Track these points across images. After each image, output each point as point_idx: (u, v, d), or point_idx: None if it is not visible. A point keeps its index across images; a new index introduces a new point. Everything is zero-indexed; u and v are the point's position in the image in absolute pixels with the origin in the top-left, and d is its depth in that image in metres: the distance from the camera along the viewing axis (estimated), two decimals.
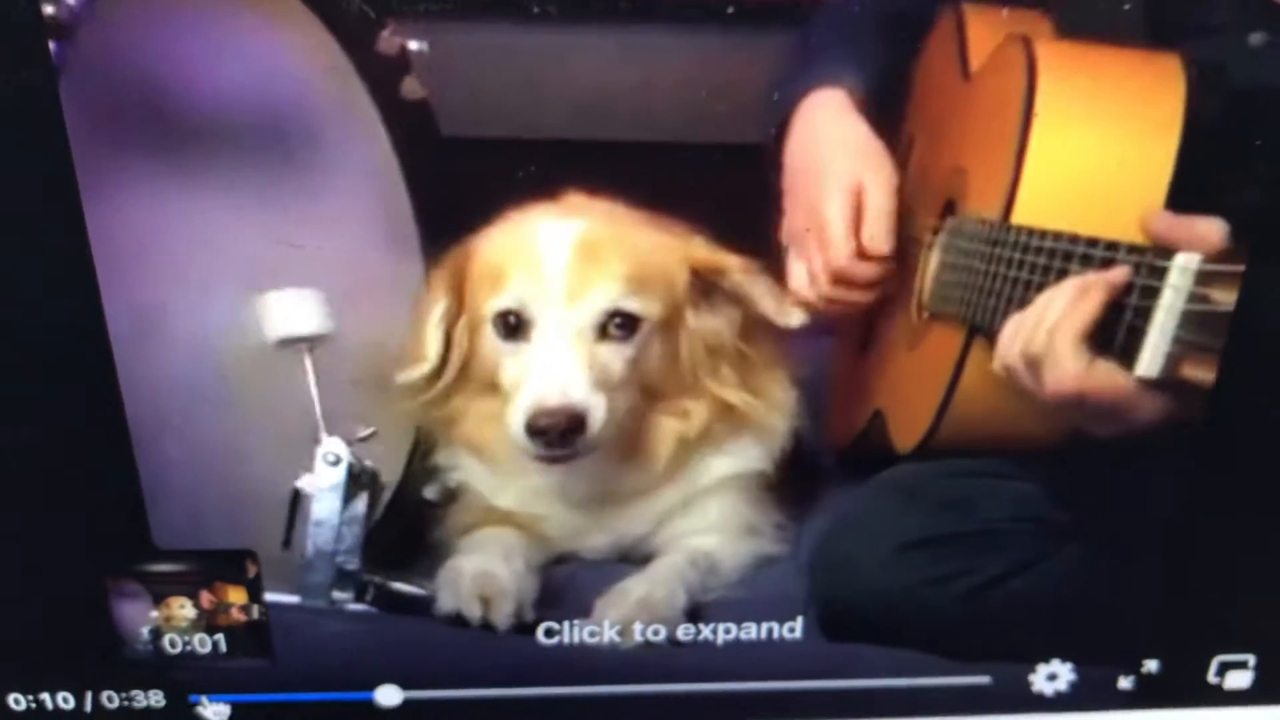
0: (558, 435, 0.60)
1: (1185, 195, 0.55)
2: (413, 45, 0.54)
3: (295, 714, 0.68)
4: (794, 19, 0.56)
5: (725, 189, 0.60)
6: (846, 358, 0.74)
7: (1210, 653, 0.68)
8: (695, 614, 0.67)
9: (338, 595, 0.65)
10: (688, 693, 0.68)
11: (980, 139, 0.62)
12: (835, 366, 0.74)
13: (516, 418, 0.61)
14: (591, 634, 0.66)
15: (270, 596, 0.65)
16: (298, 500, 0.63)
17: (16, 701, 0.66)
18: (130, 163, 0.55)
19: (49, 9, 0.51)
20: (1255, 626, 0.68)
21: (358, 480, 0.64)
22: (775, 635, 0.67)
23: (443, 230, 0.62)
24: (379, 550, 0.65)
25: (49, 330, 0.57)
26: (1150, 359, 0.55)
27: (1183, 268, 0.54)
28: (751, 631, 0.67)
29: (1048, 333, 0.57)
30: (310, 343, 0.61)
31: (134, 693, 0.67)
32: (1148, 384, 0.56)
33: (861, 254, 0.63)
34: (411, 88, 0.56)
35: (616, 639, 0.65)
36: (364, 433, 0.64)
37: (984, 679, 0.69)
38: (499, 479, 0.69)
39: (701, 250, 0.63)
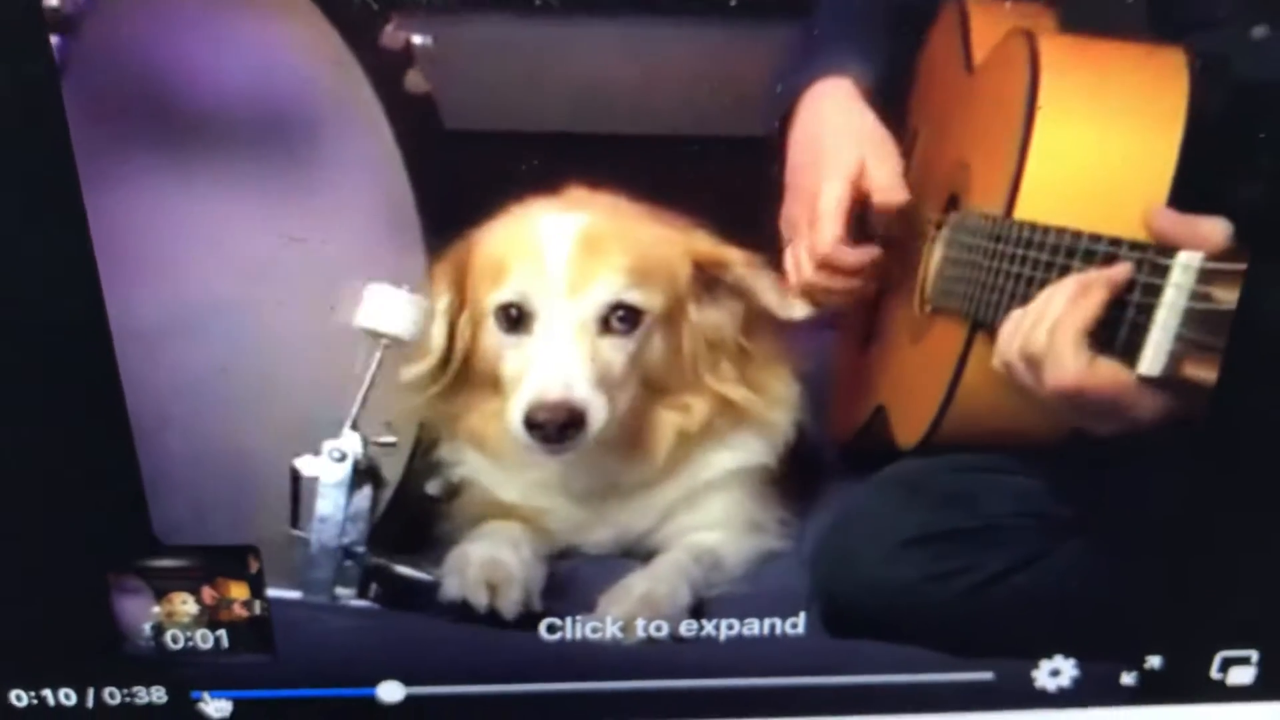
0: (556, 429, 0.60)
1: (1188, 190, 0.55)
2: (416, 39, 0.54)
3: (297, 710, 0.68)
4: (797, 11, 0.56)
5: (728, 182, 0.60)
6: (849, 352, 0.74)
7: (1213, 648, 0.68)
8: (698, 610, 0.67)
9: (340, 591, 0.65)
10: (690, 688, 0.68)
11: (983, 133, 0.62)
12: (837, 361, 0.74)
13: (516, 411, 0.61)
14: (594, 630, 0.66)
15: (272, 592, 0.65)
16: (298, 479, 0.63)
17: (18, 698, 0.66)
18: (132, 156, 0.55)
19: (51, 2, 0.51)
20: (1258, 622, 0.68)
21: (361, 476, 0.64)
22: (778, 631, 0.67)
23: (445, 224, 0.62)
24: (382, 547, 0.65)
25: (51, 325, 0.57)
26: (1152, 357, 0.55)
27: (1185, 266, 0.54)
28: (754, 627, 0.67)
29: (1048, 330, 0.57)
30: (391, 342, 0.62)
31: (136, 689, 0.67)
32: (1149, 382, 0.56)
33: (850, 239, 0.63)
34: (415, 81, 0.56)
35: (619, 635, 0.65)
36: (385, 439, 0.64)
37: (987, 675, 0.69)
38: (502, 473, 0.69)
39: (704, 243, 0.63)
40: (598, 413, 0.61)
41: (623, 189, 0.60)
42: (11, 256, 0.55)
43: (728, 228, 0.63)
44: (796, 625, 0.67)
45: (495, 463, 0.69)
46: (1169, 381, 0.56)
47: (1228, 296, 0.56)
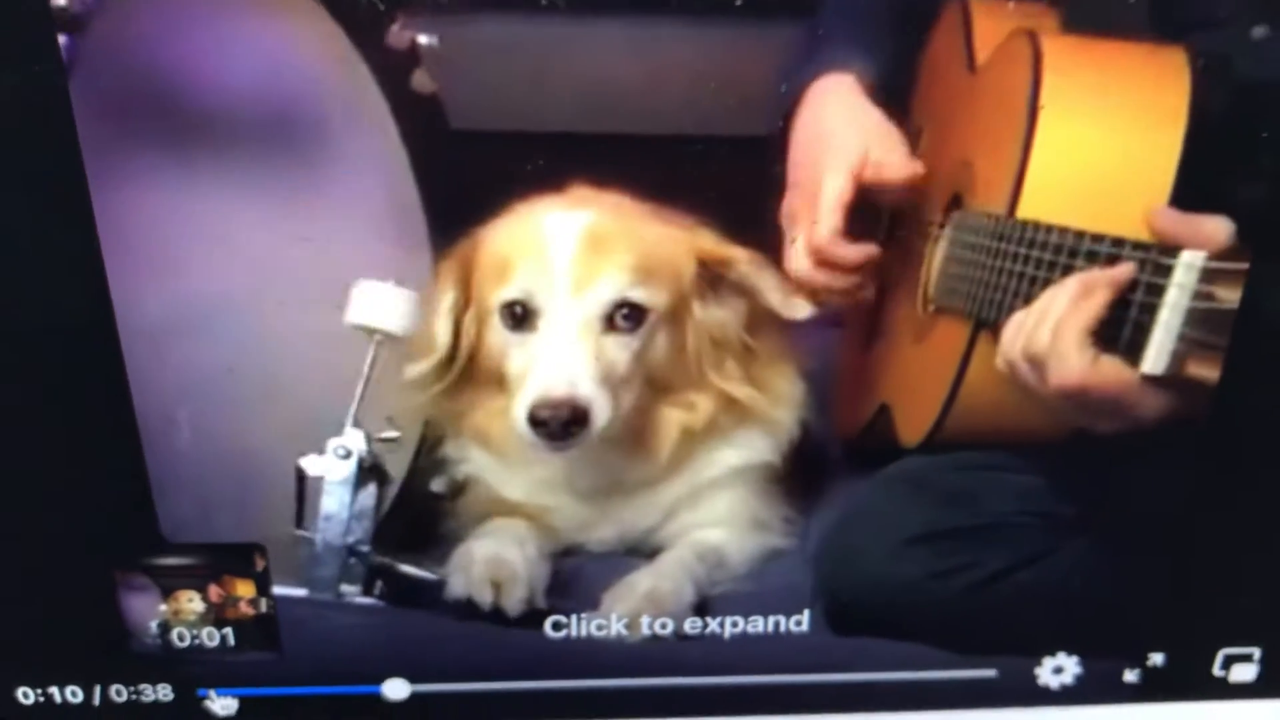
0: (559, 426, 0.60)
1: (1190, 190, 0.55)
2: (422, 39, 0.54)
3: (303, 707, 0.68)
4: (801, 11, 0.56)
5: (732, 181, 0.60)
6: (852, 350, 0.74)
7: (1215, 646, 0.69)
8: (702, 607, 0.67)
9: (345, 589, 0.65)
10: (695, 686, 0.68)
11: (986, 133, 0.62)
12: (841, 359, 0.74)
13: (521, 408, 0.61)
14: (599, 627, 0.66)
15: (278, 590, 0.65)
16: (303, 478, 0.63)
17: (25, 695, 0.66)
18: (139, 155, 0.55)
19: (59, 2, 0.51)
20: (1260, 620, 0.68)
21: (366, 474, 0.64)
22: (782, 629, 0.67)
23: (451, 222, 0.62)
24: (387, 544, 0.66)
25: (58, 324, 0.58)
26: (1155, 356, 0.56)
27: (1188, 265, 0.54)
28: (758, 625, 0.67)
29: (1052, 330, 0.57)
30: (384, 338, 0.62)
31: (142, 686, 0.67)
32: (1152, 381, 0.56)
33: (849, 235, 0.63)
34: (421, 81, 0.56)
35: (624, 632, 0.66)
36: (388, 434, 0.64)
37: (990, 672, 0.69)
38: (507, 470, 0.69)
39: (708, 242, 0.63)
40: (601, 410, 0.61)
41: (627, 188, 0.60)
42: (20, 255, 0.56)
43: (732, 226, 0.63)
44: (800, 623, 0.67)
45: (500, 460, 0.69)
46: (1172, 380, 0.56)
47: (1230, 296, 0.56)
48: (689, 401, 0.67)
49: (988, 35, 0.60)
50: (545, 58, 0.55)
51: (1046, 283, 0.58)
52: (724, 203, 0.61)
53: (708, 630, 0.67)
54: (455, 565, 0.66)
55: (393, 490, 0.66)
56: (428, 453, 0.69)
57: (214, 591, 0.65)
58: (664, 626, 0.66)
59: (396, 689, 0.68)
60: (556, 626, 0.66)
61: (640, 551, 0.70)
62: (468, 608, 0.65)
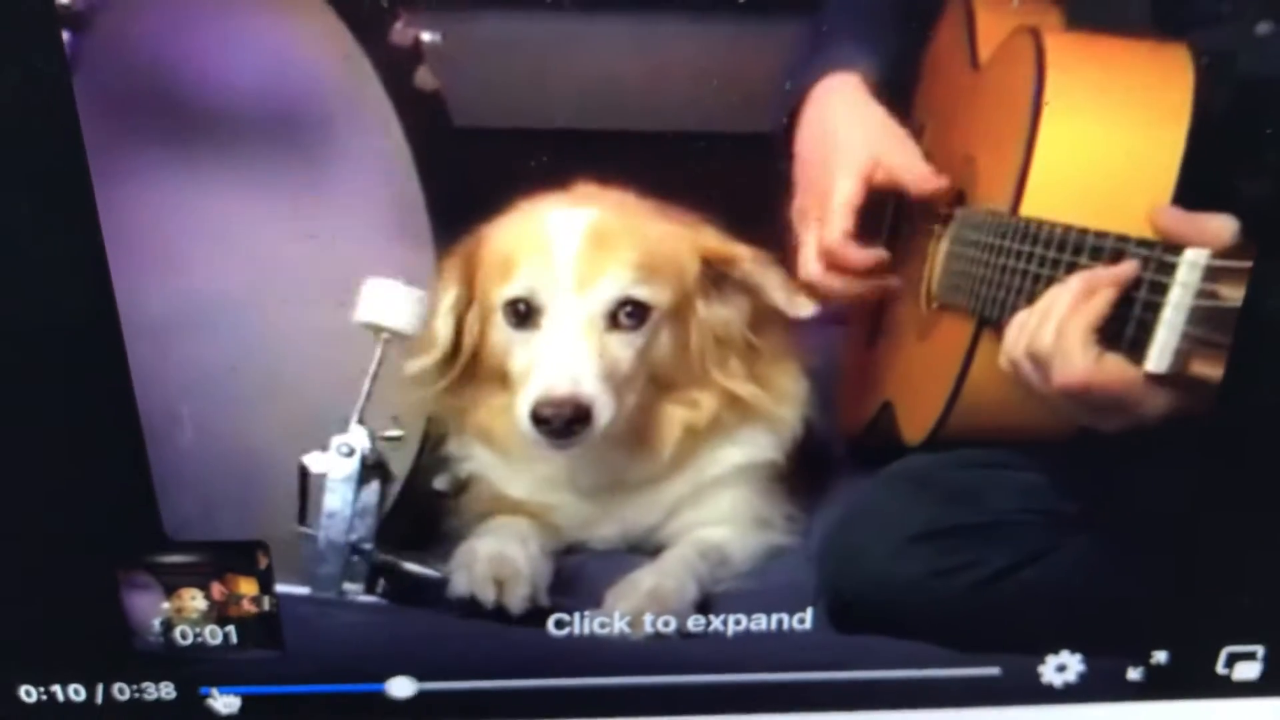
0: (563, 424, 0.60)
1: (1194, 187, 0.55)
2: (425, 36, 0.54)
3: (306, 705, 0.68)
4: (805, 7, 0.56)
5: (736, 178, 0.60)
6: (856, 348, 0.74)
7: (1219, 644, 0.69)
8: (705, 605, 0.67)
9: (348, 587, 0.65)
10: (697, 684, 0.68)
11: (989, 130, 0.62)
12: (844, 357, 0.74)
13: (524, 406, 0.61)
14: (602, 625, 0.66)
15: (281, 588, 0.65)
16: (306, 476, 0.63)
17: (28, 693, 0.66)
18: (143, 153, 0.55)
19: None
20: (1264, 618, 0.68)
21: (370, 471, 0.64)
22: (785, 627, 0.67)
23: (454, 219, 0.62)
24: (390, 542, 0.65)
25: (62, 321, 0.58)
26: (1159, 355, 0.56)
27: (1191, 263, 0.54)
28: (761, 623, 0.67)
29: (1055, 329, 0.57)
30: (391, 336, 0.62)
31: (145, 684, 0.67)
32: (1156, 379, 0.56)
33: (860, 239, 0.63)
34: (424, 78, 0.56)
35: (627, 630, 0.66)
36: (392, 433, 0.64)
37: (993, 670, 0.69)
38: (510, 468, 0.69)
39: (712, 239, 0.63)
40: (604, 408, 0.61)
41: (631, 185, 0.60)
42: (23, 253, 0.56)
43: (735, 224, 0.63)
44: (803, 620, 0.67)
45: (503, 458, 0.69)
46: (1176, 378, 0.57)
47: (1234, 294, 0.56)
48: (692, 399, 0.67)
49: (991, 32, 0.60)
50: (548, 55, 0.55)
51: (1050, 281, 0.58)
52: (728, 200, 0.61)
53: (711, 628, 0.67)
54: (458, 563, 0.66)
55: (396, 487, 0.66)
56: (430, 450, 0.69)
57: (217, 589, 0.65)
58: (667, 624, 0.66)
59: (401, 687, 0.68)
60: (559, 624, 0.66)
61: (643, 549, 0.70)
62: (471, 606, 0.65)
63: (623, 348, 0.62)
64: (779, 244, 0.64)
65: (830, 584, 0.68)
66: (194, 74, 0.55)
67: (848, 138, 0.61)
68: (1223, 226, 0.55)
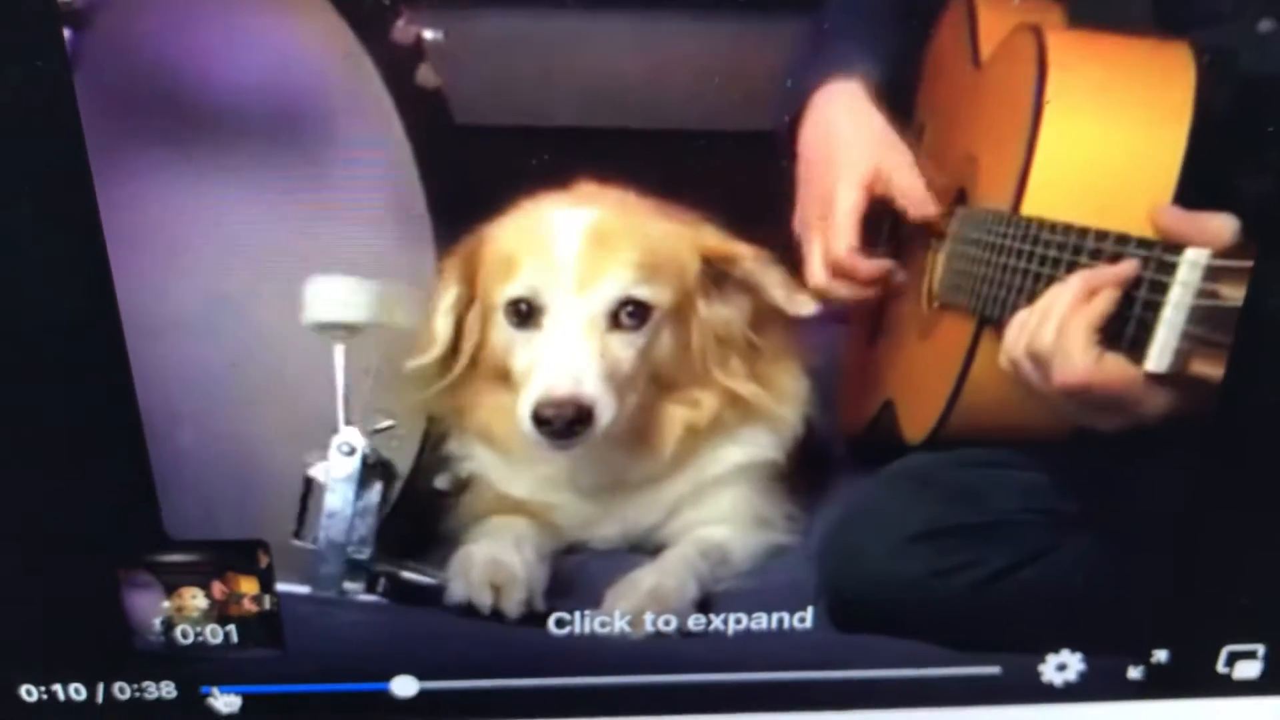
0: (564, 425, 0.60)
1: (1195, 186, 0.55)
2: (427, 34, 0.54)
3: (307, 705, 0.68)
4: (807, 5, 0.56)
5: (737, 177, 0.60)
6: (857, 347, 0.74)
7: (1219, 643, 0.69)
8: (705, 604, 0.67)
9: (349, 586, 0.65)
10: (698, 683, 0.68)
11: (991, 128, 0.62)
12: (845, 356, 0.74)
13: (525, 407, 0.61)
14: (602, 624, 0.66)
15: (282, 587, 0.65)
16: (310, 489, 0.63)
17: (29, 693, 0.66)
18: (144, 151, 0.55)
19: None
20: (1264, 617, 0.68)
21: (372, 471, 0.64)
22: (785, 626, 0.67)
23: (455, 218, 0.61)
24: (389, 541, 0.65)
25: (62, 320, 0.58)
26: (1159, 354, 0.56)
27: (1192, 263, 0.54)
28: (762, 622, 0.67)
29: (1055, 328, 0.57)
30: (346, 331, 0.62)
31: (146, 684, 0.67)
32: (1156, 379, 0.56)
33: (866, 246, 0.63)
34: (426, 76, 0.56)
35: (627, 629, 0.66)
36: (382, 425, 0.64)
37: (994, 669, 0.69)
38: (511, 468, 0.69)
39: (713, 238, 0.63)
40: (606, 409, 0.61)
41: (632, 184, 0.60)
42: (24, 251, 0.55)
43: (736, 222, 0.62)
44: (804, 620, 0.67)
45: (504, 457, 0.69)
46: (1176, 378, 0.57)
47: (1234, 293, 0.56)
48: (693, 399, 0.67)
49: (993, 30, 0.60)
50: (550, 53, 0.55)
51: (1050, 280, 0.58)
52: (729, 198, 0.61)
53: (711, 627, 0.67)
54: (455, 569, 0.66)
55: (398, 484, 0.66)
56: (431, 449, 0.69)
57: (217, 588, 0.65)
58: (667, 623, 0.66)
59: (404, 686, 0.68)
60: (560, 624, 0.66)
61: (644, 549, 0.70)
62: (469, 610, 0.65)
63: (624, 348, 0.62)
64: (780, 242, 0.63)
65: (831, 583, 0.68)
66: (195, 72, 0.54)
67: (849, 147, 0.61)
68: (1223, 226, 0.55)
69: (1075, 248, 0.57)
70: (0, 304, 0.57)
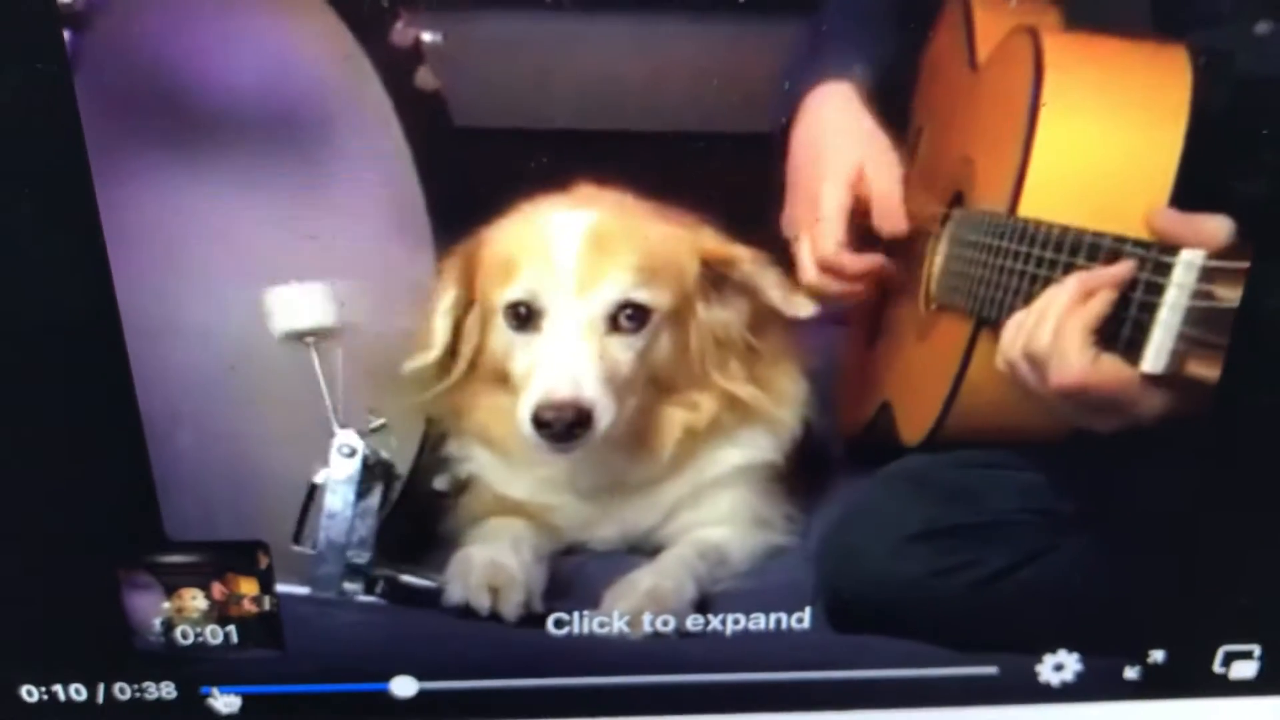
0: (563, 428, 0.60)
1: (1191, 187, 0.55)
2: (426, 36, 0.54)
3: (306, 705, 0.68)
4: (804, 8, 0.56)
5: (736, 179, 0.60)
6: (855, 349, 0.74)
7: (1216, 643, 0.69)
8: (704, 605, 0.67)
9: (348, 587, 0.65)
10: (696, 683, 0.68)
11: (987, 130, 0.62)
12: (843, 357, 0.74)
13: (524, 409, 0.61)
14: (601, 625, 0.66)
15: (281, 588, 0.65)
16: (313, 495, 0.63)
17: (29, 693, 0.66)
18: (144, 153, 0.55)
19: None
20: (1260, 617, 0.68)
21: (372, 472, 0.64)
22: (783, 626, 0.67)
23: (455, 221, 0.62)
24: (389, 542, 0.66)
25: (62, 322, 0.58)
26: (1155, 355, 0.56)
27: (1188, 264, 0.54)
28: (760, 622, 0.67)
29: (1052, 329, 0.57)
30: (316, 336, 0.61)
31: (146, 684, 0.67)
32: (1152, 380, 0.57)
33: (855, 243, 0.63)
34: (425, 78, 0.56)
35: (626, 630, 0.66)
36: (375, 423, 0.64)
37: (991, 669, 0.69)
38: (510, 470, 0.69)
39: (711, 241, 0.63)
40: (605, 411, 0.61)
41: (631, 186, 0.60)
42: (24, 253, 0.56)
43: (735, 225, 0.63)
44: (802, 620, 0.67)
45: (503, 459, 0.69)
46: (1172, 379, 0.57)
47: (1230, 294, 0.56)
48: (692, 401, 0.67)
49: (989, 32, 0.60)
50: (549, 55, 0.55)
51: (1047, 281, 0.58)
52: (727, 200, 0.61)
53: (709, 628, 0.67)
54: (453, 572, 0.66)
55: (399, 484, 0.66)
56: (431, 450, 0.69)
57: (217, 589, 0.65)
58: (666, 624, 0.66)
59: (403, 686, 0.68)
60: (559, 624, 0.66)
61: (642, 550, 0.71)
62: (468, 612, 0.65)
63: (623, 350, 0.63)
64: (778, 245, 0.64)
65: (829, 583, 0.68)
66: (195, 74, 0.55)
67: (837, 147, 0.61)
68: (1219, 227, 0.55)
69: (1072, 249, 0.57)
70: (0, 304, 0.57)
